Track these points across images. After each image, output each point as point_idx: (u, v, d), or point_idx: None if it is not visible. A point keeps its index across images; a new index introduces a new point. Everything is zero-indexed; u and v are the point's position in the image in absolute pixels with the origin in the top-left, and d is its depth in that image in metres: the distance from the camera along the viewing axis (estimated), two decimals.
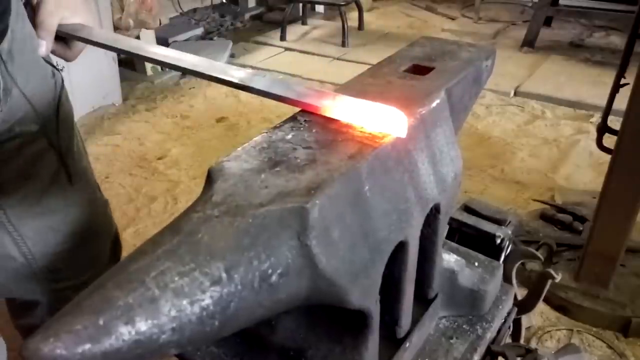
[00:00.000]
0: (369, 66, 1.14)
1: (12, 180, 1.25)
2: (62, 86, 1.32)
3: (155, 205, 3.19)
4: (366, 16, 6.20)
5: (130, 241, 2.83)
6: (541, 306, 2.35)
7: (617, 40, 5.48)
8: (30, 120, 1.22)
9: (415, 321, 1.05)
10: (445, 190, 0.98)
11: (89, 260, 1.43)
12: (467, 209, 1.38)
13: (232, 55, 5.33)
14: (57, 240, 1.34)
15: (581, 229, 2.68)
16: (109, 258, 1.50)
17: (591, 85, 4.45)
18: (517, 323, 1.36)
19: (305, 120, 0.89)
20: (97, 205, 1.45)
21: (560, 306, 2.38)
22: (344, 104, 0.89)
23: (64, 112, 1.31)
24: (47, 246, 1.32)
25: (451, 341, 1.12)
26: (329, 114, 0.89)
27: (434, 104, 0.96)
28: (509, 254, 1.32)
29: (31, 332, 1.47)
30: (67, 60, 1.32)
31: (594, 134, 2.76)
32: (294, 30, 5.99)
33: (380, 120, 0.85)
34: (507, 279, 1.29)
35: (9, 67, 1.12)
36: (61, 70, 1.33)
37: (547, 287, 1.29)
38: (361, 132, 0.85)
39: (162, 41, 5.05)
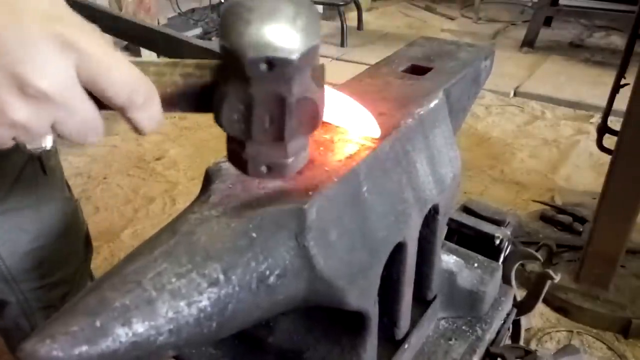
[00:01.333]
0: (367, 66, 1.14)
1: None
2: None
3: (154, 206, 3.18)
4: (365, 16, 6.20)
5: (128, 242, 2.82)
6: (541, 307, 2.35)
7: (618, 41, 5.49)
8: None
9: (414, 322, 1.05)
10: (443, 190, 0.98)
11: (60, 260, 1.42)
12: (466, 209, 1.38)
13: None
14: (26, 240, 1.32)
15: (581, 230, 2.68)
16: (80, 258, 1.49)
17: (591, 85, 4.45)
18: (516, 324, 1.36)
19: None
20: (66, 204, 1.44)
21: (560, 307, 2.37)
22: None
23: None
24: (15, 246, 1.31)
25: (450, 342, 1.12)
26: None
27: (432, 105, 0.96)
28: (508, 254, 1.31)
29: (6, 335, 1.44)
30: None
31: (594, 134, 2.76)
32: None
33: (351, 121, 0.84)
34: (506, 280, 1.29)
35: None
36: None
37: (547, 288, 1.28)
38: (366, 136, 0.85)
39: None
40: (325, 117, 0.85)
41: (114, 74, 0.58)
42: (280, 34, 0.54)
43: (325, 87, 0.82)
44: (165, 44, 1.02)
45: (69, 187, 1.49)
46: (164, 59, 0.65)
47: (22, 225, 1.31)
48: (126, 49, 4.92)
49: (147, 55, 4.73)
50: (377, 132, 0.83)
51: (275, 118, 0.59)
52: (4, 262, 1.31)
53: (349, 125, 0.84)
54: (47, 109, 0.56)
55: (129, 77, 0.59)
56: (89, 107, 0.59)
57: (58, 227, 1.39)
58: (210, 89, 0.63)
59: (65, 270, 1.44)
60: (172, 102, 0.65)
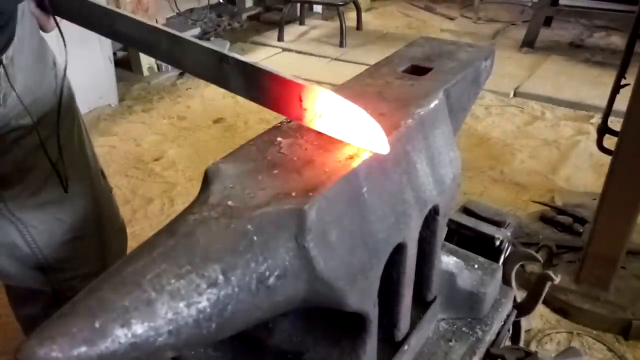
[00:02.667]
0: (367, 67, 1.13)
1: (11, 172, 1.25)
2: (64, 75, 1.31)
3: (152, 207, 3.18)
4: (364, 16, 6.20)
5: None
6: (541, 309, 2.35)
7: (618, 41, 5.48)
8: (26, 115, 1.21)
9: (413, 324, 1.05)
10: (443, 191, 0.97)
11: (95, 251, 1.43)
12: (466, 210, 1.38)
13: None
14: (62, 231, 1.34)
15: (581, 230, 2.68)
16: (116, 249, 1.50)
17: (591, 85, 4.45)
18: (516, 325, 1.35)
19: None
20: (102, 195, 1.45)
21: (561, 309, 2.37)
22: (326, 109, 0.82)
23: (66, 102, 1.31)
24: (52, 236, 1.33)
25: (450, 344, 1.12)
26: (309, 124, 0.83)
27: (432, 105, 0.95)
28: (508, 256, 1.31)
29: (32, 323, 1.46)
30: (45, 30, 1.25)
31: (594, 135, 2.75)
32: (292, 31, 5.98)
33: (359, 135, 0.80)
34: (506, 281, 1.29)
35: (9, 71, 1.12)
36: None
37: (547, 289, 1.28)
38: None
39: None
40: (335, 133, 0.83)
41: None
42: None
43: (337, 97, 0.81)
44: (169, 45, 1.01)
45: (104, 175, 1.49)
46: None
47: (59, 215, 1.33)
48: (124, 49, 4.92)
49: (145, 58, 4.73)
50: (385, 149, 0.79)
51: None
52: (41, 252, 1.33)
53: (357, 142, 0.81)
54: None
55: None
56: None
57: (94, 218, 1.41)
58: None
59: (100, 261, 1.45)
60: None
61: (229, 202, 0.70)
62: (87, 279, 1.41)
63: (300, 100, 0.82)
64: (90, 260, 1.42)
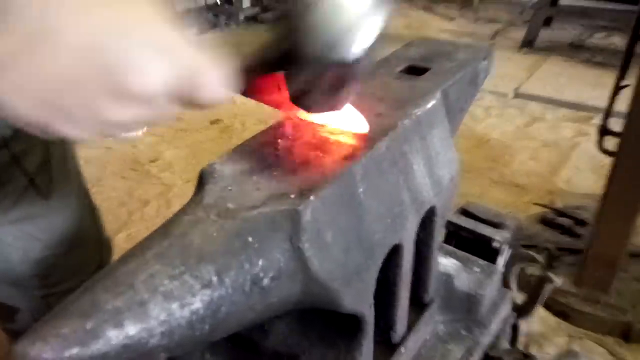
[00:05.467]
0: None
1: None
2: None
3: (148, 209, 3.17)
4: None
5: (122, 245, 2.80)
6: (541, 311, 2.34)
7: (618, 41, 5.47)
8: (3, 125, 1.17)
9: (410, 326, 1.04)
10: (441, 192, 0.97)
11: (74, 268, 1.39)
12: (465, 212, 1.37)
13: None
14: (38, 248, 1.30)
15: (582, 233, 2.67)
16: (97, 266, 1.47)
17: (592, 86, 4.44)
18: (515, 328, 1.35)
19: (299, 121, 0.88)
20: (83, 211, 1.41)
21: (561, 311, 2.36)
22: None
23: None
24: (27, 253, 1.29)
25: (448, 346, 1.11)
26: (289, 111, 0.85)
27: (429, 105, 0.95)
28: (508, 258, 1.31)
29: (14, 336, 1.42)
30: None
31: (594, 136, 2.75)
32: None
33: (338, 118, 0.83)
34: (506, 283, 1.28)
35: None
36: None
37: (546, 291, 1.27)
38: (355, 133, 0.84)
39: None
40: (315, 118, 0.84)
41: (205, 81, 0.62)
42: None
43: None
44: None
45: (87, 192, 1.46)
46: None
47: (34, 233, 1.28)
48: None
49: None
50: (365, 127, 0.83)
51: None
52: (15, 269, 1.29)
53: (337, 123, 0.84)
54: (141, 111, 0.60)
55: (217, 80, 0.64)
56: (174, 107, 0.63)
57: (73, 235, 1.36)
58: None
59: (80, 277, 1.39)
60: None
61: (224, 203, 0.70)
62: (65, 296, 1.38)
63: (279, 89, 0.82)
64: (69, 277, 1.38)
